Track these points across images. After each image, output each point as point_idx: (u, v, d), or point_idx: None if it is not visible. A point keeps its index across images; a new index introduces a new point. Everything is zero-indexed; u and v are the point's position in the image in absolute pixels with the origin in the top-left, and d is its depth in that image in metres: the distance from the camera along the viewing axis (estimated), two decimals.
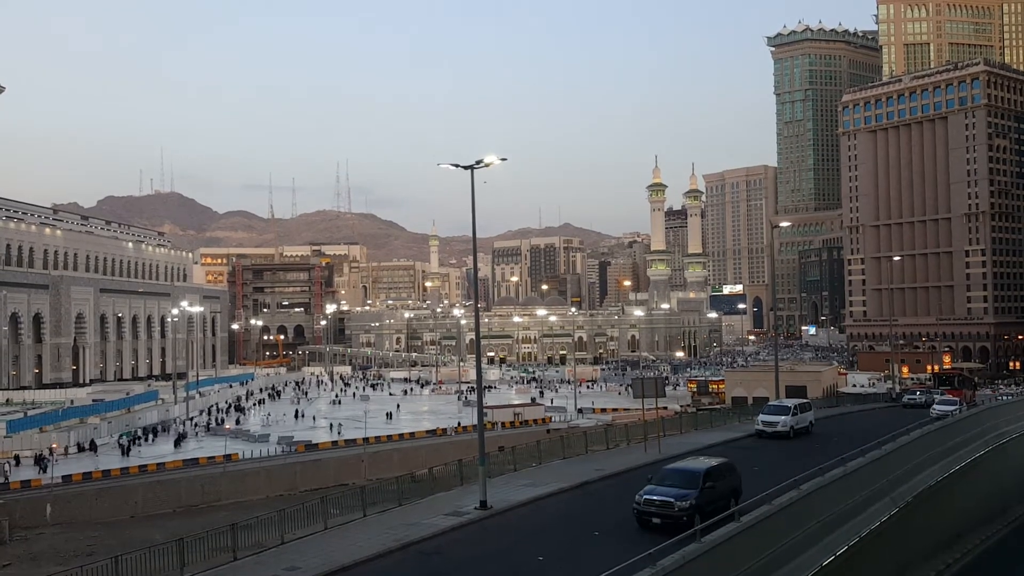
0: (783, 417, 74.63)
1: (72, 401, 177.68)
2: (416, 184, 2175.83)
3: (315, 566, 39.72)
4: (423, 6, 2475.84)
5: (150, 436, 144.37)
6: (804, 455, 62.52)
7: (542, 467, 64.25)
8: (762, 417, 76.63)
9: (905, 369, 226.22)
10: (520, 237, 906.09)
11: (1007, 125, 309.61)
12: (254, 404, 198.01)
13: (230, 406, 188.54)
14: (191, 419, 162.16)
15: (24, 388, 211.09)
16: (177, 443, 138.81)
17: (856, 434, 71.01)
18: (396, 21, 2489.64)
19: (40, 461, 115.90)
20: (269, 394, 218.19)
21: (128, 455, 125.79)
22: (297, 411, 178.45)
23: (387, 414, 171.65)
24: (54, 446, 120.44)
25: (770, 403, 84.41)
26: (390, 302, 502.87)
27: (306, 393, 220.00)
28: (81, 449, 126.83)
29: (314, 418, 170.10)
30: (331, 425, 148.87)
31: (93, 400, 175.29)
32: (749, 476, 56.60)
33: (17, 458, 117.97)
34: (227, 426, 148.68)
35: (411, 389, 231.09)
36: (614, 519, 46.99)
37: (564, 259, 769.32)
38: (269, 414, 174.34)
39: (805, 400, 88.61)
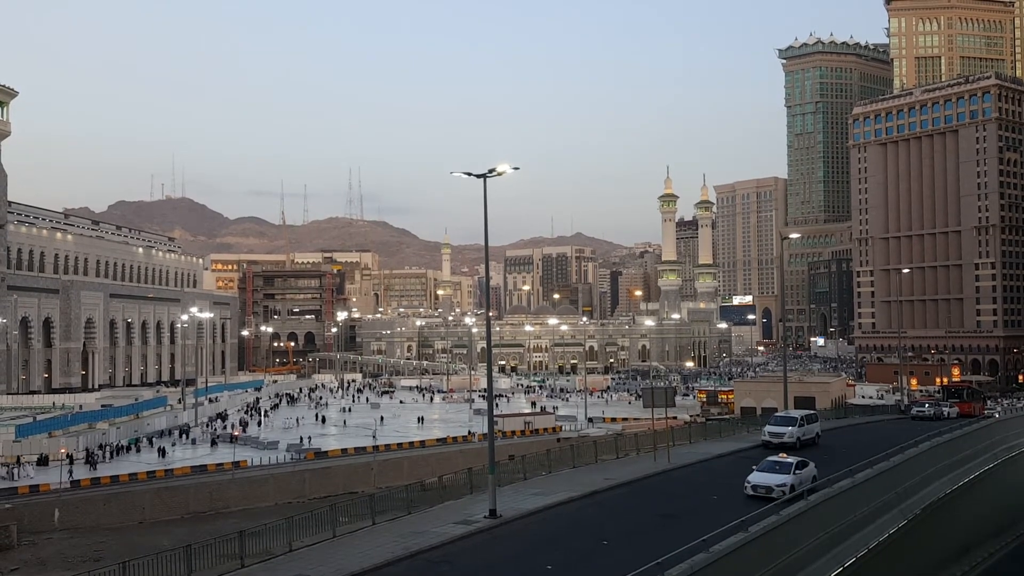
0: (790, 428, 74.46)
1: (81, 406, 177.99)
2: (428, 192, 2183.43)
3: (323, 574, 39.70)
4: (436, 13, 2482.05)
5: (184, 437, 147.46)
6: None
7: (552, 476, 64.27)
8: (769, 428, 76.44)
9: (914, 381, 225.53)
10: (532, 246, 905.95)
11: (1018, 139, 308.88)
12: (270, 408, 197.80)
13: (250, 409, 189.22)
14: (221, 422, 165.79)
15: (34, 392, 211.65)
16: (214, 443, 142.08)
17: (864, 446, 70.84)
18: (409, 28, 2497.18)
19: (91, 457, 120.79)
20: (286, 400, 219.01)
21: (164, 456, 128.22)
22: (318, 415, 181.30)
23: (419, 418, 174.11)
24: (63, 451, 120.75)
25: (777, 414, 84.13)
26: (402, 310, 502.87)
27: (320, 399, 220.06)
28: (89, 456, 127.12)
29: (345, 423, 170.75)
30: (300, 437, 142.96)
31: (102, 405, 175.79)
32: None
33: (71, 457, 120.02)
34: (235, 432, 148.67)
35: (431, 397, 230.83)
36: (623, 528, 47.03)
37: (576, 268, 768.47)
38: (290, 418, 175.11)
39: (812, 412, 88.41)
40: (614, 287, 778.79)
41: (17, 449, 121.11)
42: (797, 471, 52.75)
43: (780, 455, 56.43)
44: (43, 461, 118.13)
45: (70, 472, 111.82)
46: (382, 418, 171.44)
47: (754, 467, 54.55)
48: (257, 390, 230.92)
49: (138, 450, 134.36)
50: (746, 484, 52.78)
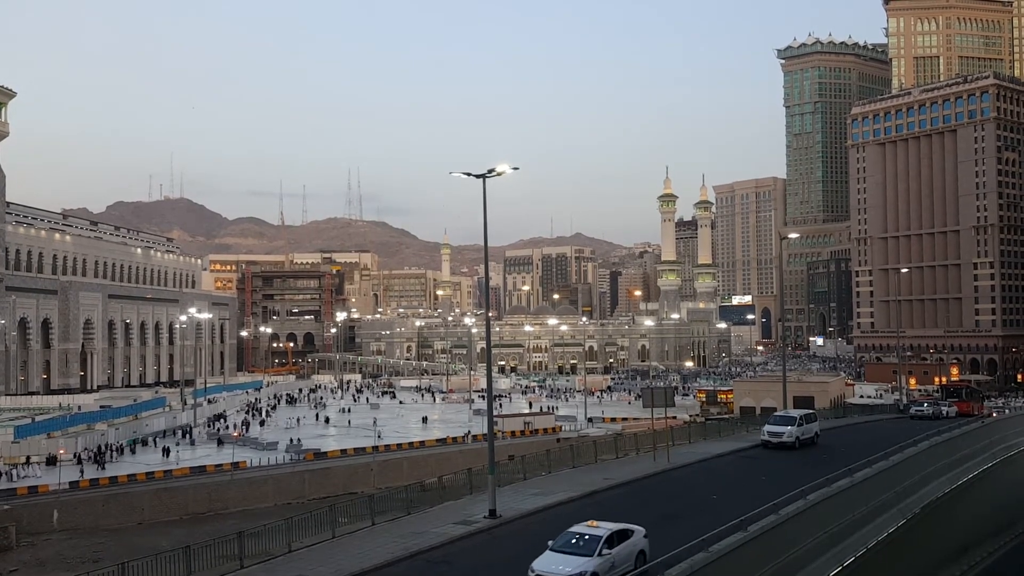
0: (789, 428, 74.63)
1: (80, 407, 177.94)
2: (428, 192, 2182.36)
3: (323, 574, 39.74)
4: (436, 13, 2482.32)
5: (186, 438, 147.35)
6: (810, 466, 62.54)
7: (551, 476, 64.34)
8: (768, 428, 76.59)
9: (912, 381, 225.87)
10: (532, 246, 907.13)
11: (1016, 138, 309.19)
12: (270, 409, 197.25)
13: (251, 410, 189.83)
14: (223, 423, 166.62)
15: (32, 393, 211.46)
16: (220, 443, 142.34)
17: (863, 445, 70.90)
18: (409, 28, 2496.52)
19: (98, 458, 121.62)
20: (286, 400, 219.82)
21: (168, 456, 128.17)
22: (319, 415, 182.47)
23: (423, 418, 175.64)
24: (61, 451, 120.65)
25: (776, 414, 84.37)
26: (401, 310, 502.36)
27: (321, 399, 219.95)
28: (97, 456, 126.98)
29: (350, 423, 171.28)
30: (291, 439, 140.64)
31: (101, 406, 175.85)
32: (756, 486, 56.67)
33: (79, 457, 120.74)
34: (235, 434, 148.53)
35: (432, 397, 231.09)
36: None
37: (575, 269, 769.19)
38: (291, 418, 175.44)
39: (811, 411, 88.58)
40: (613, 287, 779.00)
41: (16, 450, 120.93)
42: (606, 551, 37.00)
43: (588, 523, 39.28)
44: (51, 461, 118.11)
45: (81, 472, 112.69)
46: (375, 420, 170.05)
47: (549, 542, 38.59)
48: (257, 391, 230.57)
49: (133, 451, 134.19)
50: (530, 572, 36.93)
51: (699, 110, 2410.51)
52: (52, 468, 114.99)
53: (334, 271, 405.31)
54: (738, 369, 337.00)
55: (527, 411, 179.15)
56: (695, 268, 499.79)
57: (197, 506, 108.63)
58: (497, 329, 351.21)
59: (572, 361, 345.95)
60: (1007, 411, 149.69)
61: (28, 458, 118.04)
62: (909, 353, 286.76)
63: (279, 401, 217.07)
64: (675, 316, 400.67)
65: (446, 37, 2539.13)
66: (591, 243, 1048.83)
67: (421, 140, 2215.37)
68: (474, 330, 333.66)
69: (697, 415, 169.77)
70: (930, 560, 65.76)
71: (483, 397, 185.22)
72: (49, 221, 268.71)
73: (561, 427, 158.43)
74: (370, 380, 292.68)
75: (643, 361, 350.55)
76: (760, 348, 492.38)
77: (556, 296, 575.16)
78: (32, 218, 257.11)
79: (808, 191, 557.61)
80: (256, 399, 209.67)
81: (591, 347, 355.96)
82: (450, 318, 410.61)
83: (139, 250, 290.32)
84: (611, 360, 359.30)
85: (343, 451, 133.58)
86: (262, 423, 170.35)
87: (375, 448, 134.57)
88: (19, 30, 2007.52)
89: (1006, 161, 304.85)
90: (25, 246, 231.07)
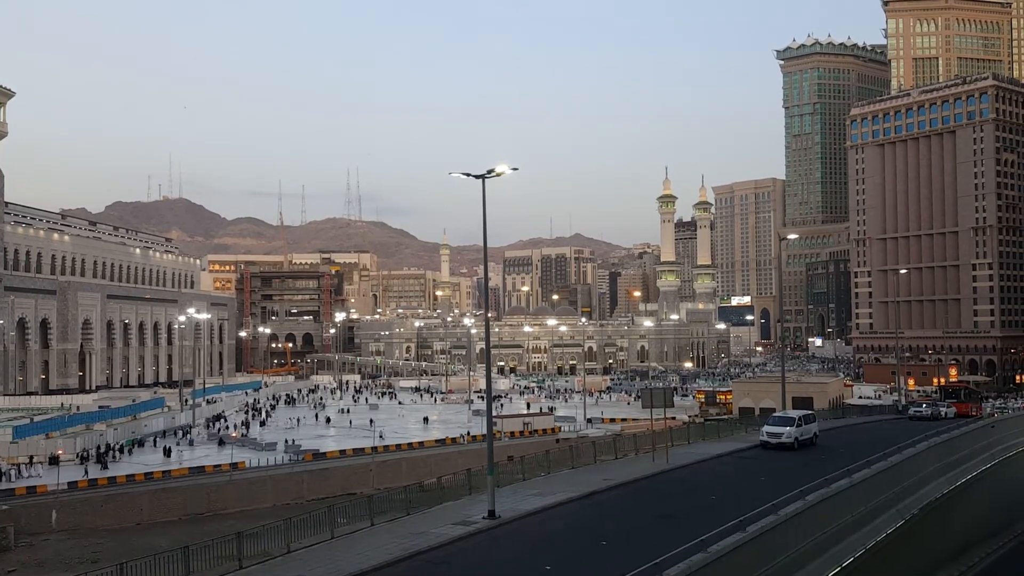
0: (787, 428, 74.53)
1: (78, 407, 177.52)
2: (427, 193, 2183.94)
3: (321, 575, 39.68)
4: (435, 13, 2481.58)
5: (186, 438, 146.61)
6: (809, 466, 62.44)
7: (551, 476, 64.27)
8: (766, 428, 76.45)
9: (911, 381, 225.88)
10: (531, 247, 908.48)
11: (1015, 139, 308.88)
12: (270, 409, 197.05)
13: (251, 410, 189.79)
14: (224, 423, 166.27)
15: (31, 394, 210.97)
16: (221, 443, 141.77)
17: (861, 446, 70.88)
18: (407, 30, 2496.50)
19: (101, 458, 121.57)
20: (286, 400, 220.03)
21: (169, 456, 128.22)
22: (318, 415, 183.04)
23: (424, 418, 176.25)
24: (59, 452, 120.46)
25: (775, 414, 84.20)
26: (400, 311, 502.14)
27: (321, 400, 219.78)
28: (100, 456, 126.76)
29: (351, 423, 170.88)
30: (286, 440, 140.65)
31: (100, 407, 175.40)
32: (754, 486, 56.61)
33: (82, 456, 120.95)
34: (234, 434, 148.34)
35: (434, 398, 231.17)
36: (622, 528, 47.00)
37: (575, 269, 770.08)
38: (292, 418, 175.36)
39: (810, 412, 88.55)
40: (613, 288, 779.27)
41: (14, 450, 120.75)
42: None
43: None
44: (54, 460, 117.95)
45: (85, 471, 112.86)
46: (371, 420, 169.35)
47: None
48: (256, 391, 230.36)
49: (130, 452, 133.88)
50: None
51: (699, 110, 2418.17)
52: (54, 468, 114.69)
53: (333, 271, 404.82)
54: (737, 370, 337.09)
55: (526, 412, 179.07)
56: (694, 269, 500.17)
57: (196, 506, 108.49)
58: (496, 330, 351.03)
59: (571, 362, 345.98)
60: (1007, 411, 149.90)
61: (32, 458, 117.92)
62: (908, 354, 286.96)
63: (278, 402, 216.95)
64: (674, 317, 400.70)
65: (446, 37, 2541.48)
66: (590, 244, 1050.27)
67: (420, 140, 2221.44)
68: (473, 331, 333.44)
69: (696, 416, 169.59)
70: (928, 561, 65.76)
71: (482, 398, 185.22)
72: (48, 221, 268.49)
73: (560, 428, 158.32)
74: (369, 381, 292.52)
75: (642, 362, 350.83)
76: (759, 349, 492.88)
77: (555, 297, 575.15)
78: (31, 218, 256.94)
79: (807, 192, 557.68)
80: (255, 399, 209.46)
81: (590, 348, 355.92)
82: (449, 319, 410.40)
83: (138, 250, 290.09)
84: (610, 361, 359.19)
85: (342, 452, 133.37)
86: (262, 423, 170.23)
87: (374, 449, 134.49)
88: (18, 30, 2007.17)
89: (1005, 162, 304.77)
90: (24, 246, 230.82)
